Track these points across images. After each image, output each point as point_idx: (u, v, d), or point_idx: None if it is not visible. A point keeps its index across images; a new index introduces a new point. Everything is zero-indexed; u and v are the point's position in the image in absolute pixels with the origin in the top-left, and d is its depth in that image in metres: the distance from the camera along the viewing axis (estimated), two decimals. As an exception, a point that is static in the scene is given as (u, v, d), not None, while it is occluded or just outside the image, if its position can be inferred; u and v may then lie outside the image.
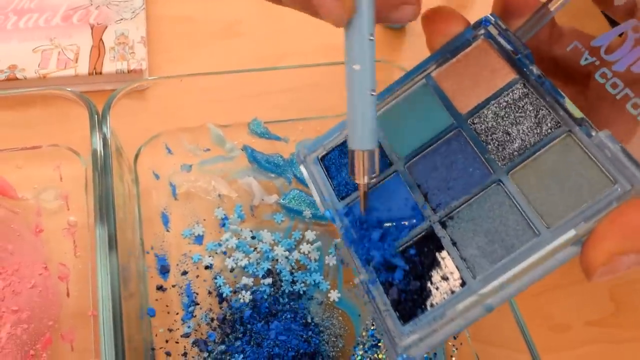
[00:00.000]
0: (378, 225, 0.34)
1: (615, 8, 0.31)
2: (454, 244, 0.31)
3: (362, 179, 0.33)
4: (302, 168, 0.38)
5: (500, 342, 0.45)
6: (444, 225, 0.32)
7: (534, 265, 0.28)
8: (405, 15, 0.33)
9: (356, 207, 0.35)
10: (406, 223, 0.33)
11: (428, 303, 0.31)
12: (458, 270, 0.30)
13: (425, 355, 0.46)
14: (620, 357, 0.50)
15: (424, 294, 0.31)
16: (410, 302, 0.31)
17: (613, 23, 0.32)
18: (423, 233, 0.33)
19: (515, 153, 0.32)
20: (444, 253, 0.31)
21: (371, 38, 0.31)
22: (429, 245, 0.32)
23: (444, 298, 0.30)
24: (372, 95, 0.31)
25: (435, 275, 0.31)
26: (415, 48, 0.71)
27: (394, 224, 0.34)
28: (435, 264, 0.31)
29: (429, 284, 0.31)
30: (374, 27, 0.31)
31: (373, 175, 0.33)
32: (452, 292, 0.30)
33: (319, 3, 0.30)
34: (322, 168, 0.38)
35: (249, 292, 0.48)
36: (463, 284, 0.30)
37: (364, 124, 0.32)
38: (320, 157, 0.38)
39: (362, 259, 0.34)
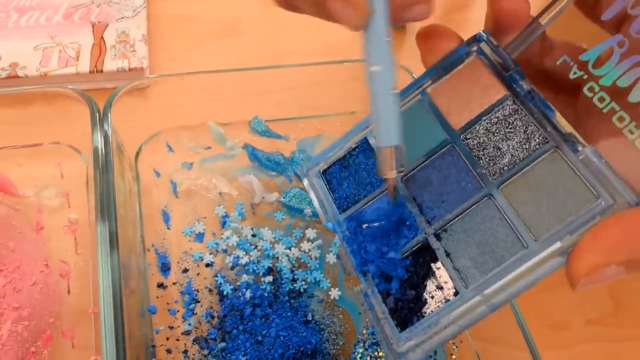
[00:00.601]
0: (375, 237, 0.35)
1: (603, 21, 0.32)
2: (448, 255, 0.33)
3: (391, 173, 0.33)
4: (305, 181, 0.40)
5: (501, 340, 0.45)
6: (438, 237, 0.33)
7: (522, 275, 0.30)
8: (418, 15, 0.33)
9: (355, 219, 0.37)
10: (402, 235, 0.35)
11: (423, 311, 0.32)
12: (452, 280, 0.32)
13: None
14: (620, 355, 0.50)
15: (420, 302, 0.33)
16: (407, 310, 0.33)
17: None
18: (419, 245, 0.34)
19: (506, 168, 0.33)
20: (438, 264, 0.33)
21: (387, 39, 0.31)
22: (425, 257, 0.33)
23: (439, 306, 0.32)
24: (393, 93, 0.32)
25: (431, 285, 0.33)
26: (415, 47, 0.71)
27: (391, 236, 0.35)
28: (430, 274, 0.33)
29: (424, 293, 0.33)
30: (389, 28, 0.32)
31: (402, 169, 0.33)
32: (447, 300, 0.32)
33: (333, 9, 0.30)
34: (324, 181, 0.39)
35: (249, 290, 0.48)
36: (456, 294, 0.32)
37: (388, 122, 0.32)
38: (322, 170, 0.39)
39: (360, 269, 0.35)
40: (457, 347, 0.48)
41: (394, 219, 0.35)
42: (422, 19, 0.34)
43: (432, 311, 0.32)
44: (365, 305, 0.34)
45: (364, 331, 0.48)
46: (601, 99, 0.31)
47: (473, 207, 0.33)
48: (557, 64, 0.33)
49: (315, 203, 0.39)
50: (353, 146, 0.38)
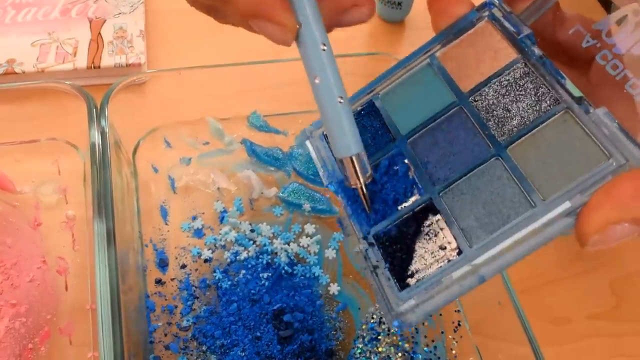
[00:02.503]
0: (380, 199, 0.35)
1: None
2: (453, 215, 0.32)
3: (358, 182, 0.33)
4: (308, 143, 0.39)
5: (501, 335, 0.45)
6: (443, 197, 0.33)
7: (529, 236, 0.29)
8: (358, 17, 0.33)
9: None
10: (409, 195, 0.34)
11: (425, 270, 0.32)
12: (455, 239, 0.31)
13: (425, 348, 0.47)
14: (621, 350, 0.50)
15: (422, 261, 0.32)
16: (408, 270, 0.32)
17: (608, 9, 0.33)
18: (423, 205, 0.33)
19: (515, 129, 0.32)
20: (442, 224, 0.32)
21: (324, 48, 0.31)
22: (428, 216, 0.33)
23: (441, 266, 0.31)
24: (342, 102, 0.32)
25: (434, 245, 0.32)
26: (414, 42, 0.70)
27: (397, 197, 0.34)
28: (434, 233, 0.32)
29: (427, 253, 0.32)
30: (325, 36, 0.31)
31: (367, 175, 0.34)
32: (449, 260, 0.31)
33: (260, 28, 0.31)
34: (327, 144, 0.38)
35: (248, 286, 0.48)
36: (459, 253, 0.31)
37: (342, 132, 0.32)
38: (325, 133, 0.39)
39: (363, 230, 0.34)
40: (457, 342, 0.48)
41: (399, 189, 0.34)
42: (364, 20, 0.34)
43: (434, 270, 0.31)
44: (365, 264, 0.33)
45: (364, 326, 0.47)
46: (614, 67, 0.31)
47: (480, 167, 0.32)
48: (569, 33, 0.33)
49: (318, 165, 0.38)
50: (358, 109, 0.38)
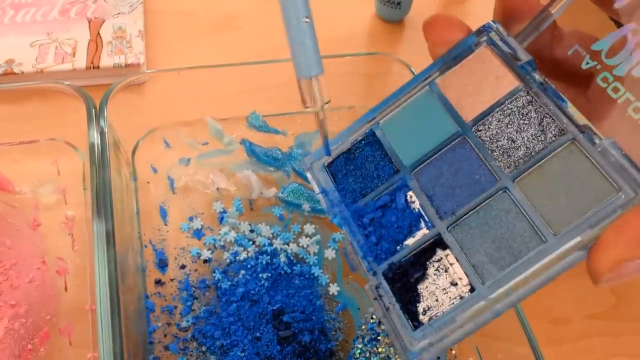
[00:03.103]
0: (386, 235, 0.34)
1: (616, 10, 0.31)
2: (462, 250, 0.32)
3: (316, 105, 0.34)
4: (309, 174, 0.39)
5: (501, 335, 0.45)
6: (451, 232, 0.32)
7: (541, 271, 0.29)
8: None
9: (364, 213, 0.36)
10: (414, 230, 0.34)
11: (438, 309, 0.31)
12: (467, 276, 0.31)
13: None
14: (621, 350, 0.50)
15: (434, 298, 0.32)
16: (420, 307, 0.32)
17: (618, 23, 0.32)
18: (431, 240, 0.33)
19: (521, 160, 0.32)
20: (452, 259, 0.32)
21: None
22: (437, 251, 0.33)
23: (454, 304, 0.31)
24: (307, 21, 0.32)
25: (444, 281, 0.32)
26: (413, 41, 0.71)
27: (403, 232, 0.34)
28: (444, 269, 0.32)
29: (437, 289, 0.32)
30: None
31: (326, 101, 0.34)
32: (461, 297, 0.31)
33: None
34: (329, 175, 0.38)
35: (247, 286, 0.48)
36: (472, 290, 0.31)
37: (306, 52, 0.32)
38: (326, 164, 0.38)
39: (370, 266, 0.34)
40: (456, 342, 0.48)
41: (405, 223, 0.34)
42: None
43: (447, 308, 0.31)
44: (376, 302, 0.33)
45: (363, 327, 0.47)
46: (615, 90, 0.30)
47: (488, 200, 0.32)
48: (568, 54, 0.32)
49: (320, 197, 0.38)
50: (359, 138, 0.37)
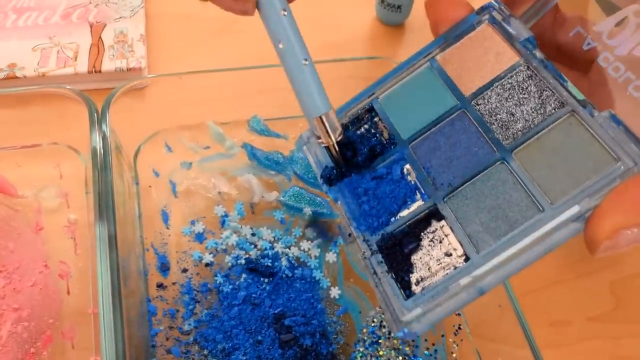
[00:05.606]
0: (381, 205, 0.34)
1: None
2: (458, 220, 0.32)
3: (329, 140, 0.34)
4: (305, 149, 0.39)
5: (501, 338, 0.45)
6: (447, 202, 0.33)
7: (537, 241, 0.29)
8: None
9: (358, 185, 0.36)
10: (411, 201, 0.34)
11: (431, 279, 0.31)
12: (461, 246, 0.31)
13: (426, 352, 0.47)
14: (621, 352, 0.50)
15: (427, 269, 0.31)
16: (413, 277, 0.32)
17: (606, 10, 0.32)
18: (426, 211, 0.33)
19: (519, 133, 0.32)
20: (447, 230, 0.32)
21: (285, 13, 0.32)
22: (432, 222, 0.33)
23: (447, 273, 0.31)
24: (306, 64, 0.32)
25: (438, 251, 0.32)
26: (413, 45, 0.71)
27: (397, 203, 0.34)
28: (438, 240, 0.32)
29: (432, 260, 0.32)
30: (285, 1, 0.32)
31: (338, 133, 0.34)
32: (455, 267, 0.31)
33: (218, 2, 0.31)
34: (325, 149, 0.38)
35: (249, 289, 0.48)
36: (466, 260, 0.31)
37: (310, 94, 0.33)
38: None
39: (365, 237, 0.34)
40: (457, 345, 0.48)
41: (400, 194, 0.34)
42: None
43: (440, 278, 0.31)
44: (369, 272, 0.33)
45: (364, 330, 0.48)
46: (616, 69, 0.31)
47: (485, 171, 0.32)
48: (570, 35, 0.33)
49: (316, 171, 0.38)
50: (358, 112, 0.38)
